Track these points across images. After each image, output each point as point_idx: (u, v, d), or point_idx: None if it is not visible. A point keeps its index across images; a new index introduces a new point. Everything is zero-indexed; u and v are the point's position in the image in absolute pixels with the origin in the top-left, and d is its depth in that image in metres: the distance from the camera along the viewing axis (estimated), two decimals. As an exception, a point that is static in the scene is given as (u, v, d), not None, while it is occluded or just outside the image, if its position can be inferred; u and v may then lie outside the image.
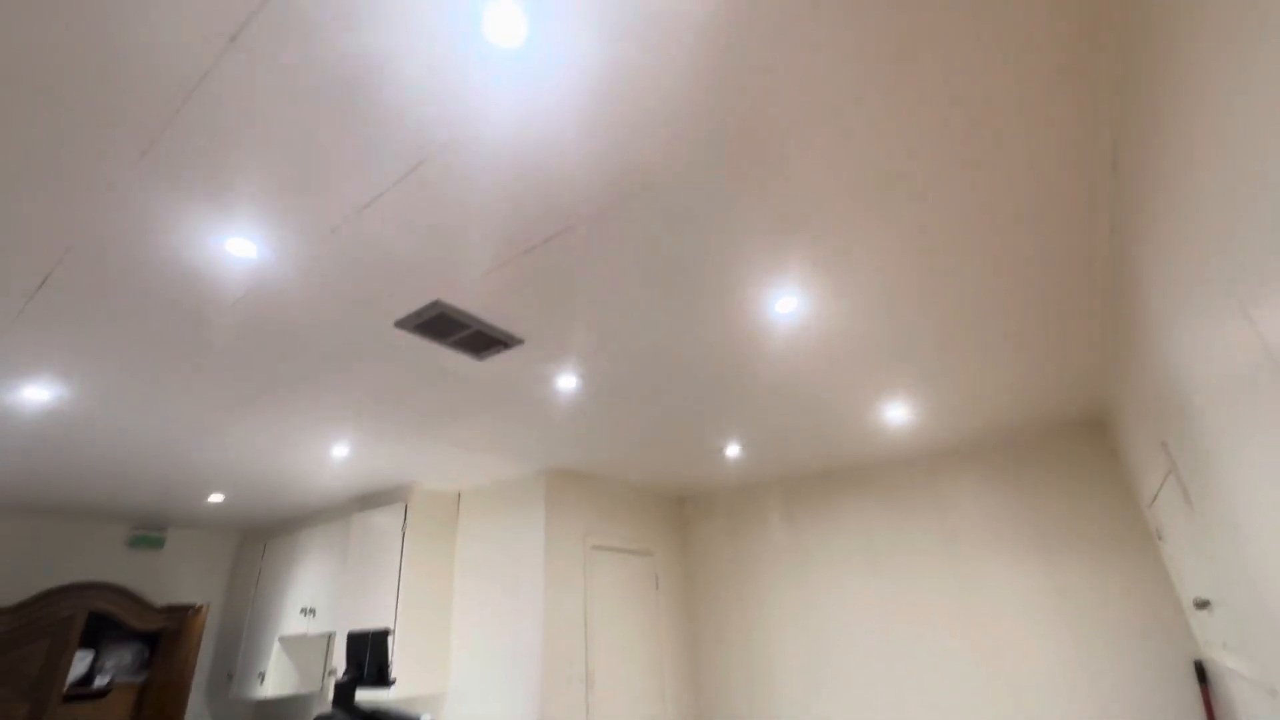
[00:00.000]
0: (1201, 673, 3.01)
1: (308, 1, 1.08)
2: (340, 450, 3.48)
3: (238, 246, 1.69)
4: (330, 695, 4.40)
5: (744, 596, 4.71)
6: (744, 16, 1.15)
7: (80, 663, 4.14)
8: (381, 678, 2.65)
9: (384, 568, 4.14)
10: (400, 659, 3.80)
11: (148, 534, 5.05)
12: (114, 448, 3.17)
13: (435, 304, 2.06)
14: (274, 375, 2.49)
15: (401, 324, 2.17)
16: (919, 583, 4.00)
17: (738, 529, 4.94)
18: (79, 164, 1.38)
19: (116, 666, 4.31)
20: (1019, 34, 1.23)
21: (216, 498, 4.37)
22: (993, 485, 3.94)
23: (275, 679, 4.53)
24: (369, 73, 1.22)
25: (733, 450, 3.95)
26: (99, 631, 4.41)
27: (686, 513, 5.30)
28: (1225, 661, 2.42)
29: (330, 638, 4.88)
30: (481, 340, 2.30)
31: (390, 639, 2.77)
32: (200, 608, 4.67)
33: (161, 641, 4.55)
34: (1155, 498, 2.76)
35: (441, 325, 2.18)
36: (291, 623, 4.63)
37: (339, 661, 3.98)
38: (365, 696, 3.83)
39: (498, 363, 2.51)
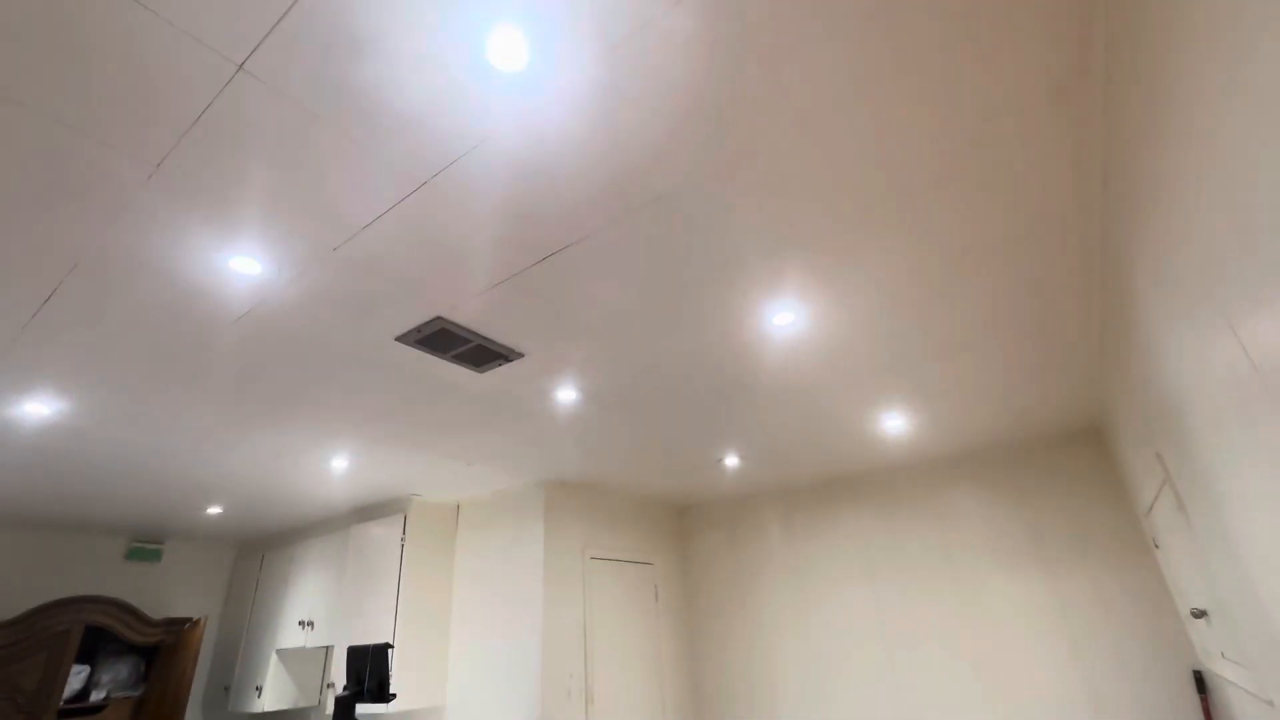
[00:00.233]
0: (1200, 682, 3.02)
1: (315, 28, 1.10)
2: (340, 463, 3.48)
3: (241, 264, 1.71)
4: (329, 709, 4.38)
5: (743, 606, 4.70)
6: (740, 38, 1.18)
7: (76, 677, 4.11)
8: (381, 693, 2.65)
9: (383, 580, 4.13)
10: (399, 672, 3.78)
11: (145, 547, 5.03)
12: (113, 461, 3.18)
13: (436, 319, 2.08)
14: (275, 390, 2.51)
15: (403, 339, 2.18)
16: (918, 592, 4.00)
17: (737, 539, 4.94)
18: (86, 185, 1.40)
19: (113, 681, 4.28)
20: (1012, 55, 1.27)
21: (215, 510, 4.36)
22: (991, 495, 3.96)
23: (273, 692, 4.50)
24: (374, 96, 1.24)
25: (732, 461, 3.96)
26: (95, 645, 4.39)
27: (686, 523, 5.30)
28: (1223, 672, 2.42)
29: (328, 650, 4.86)
30: (482, 354, 2.32)
31: (390, 653, 2.76)
32: (198, 621, 4.65)
33: (158, 655, 4.52)
34: (1151, 507, 2.78)
35: (442, 340, 2.20)
36: (289, 635, 4.61)
37: (337, 674, 3.96)
38: (364, 711, 3.81)
39: (498, 376, 2.52)
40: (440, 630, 4.15)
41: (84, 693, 4.15)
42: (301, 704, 4.65)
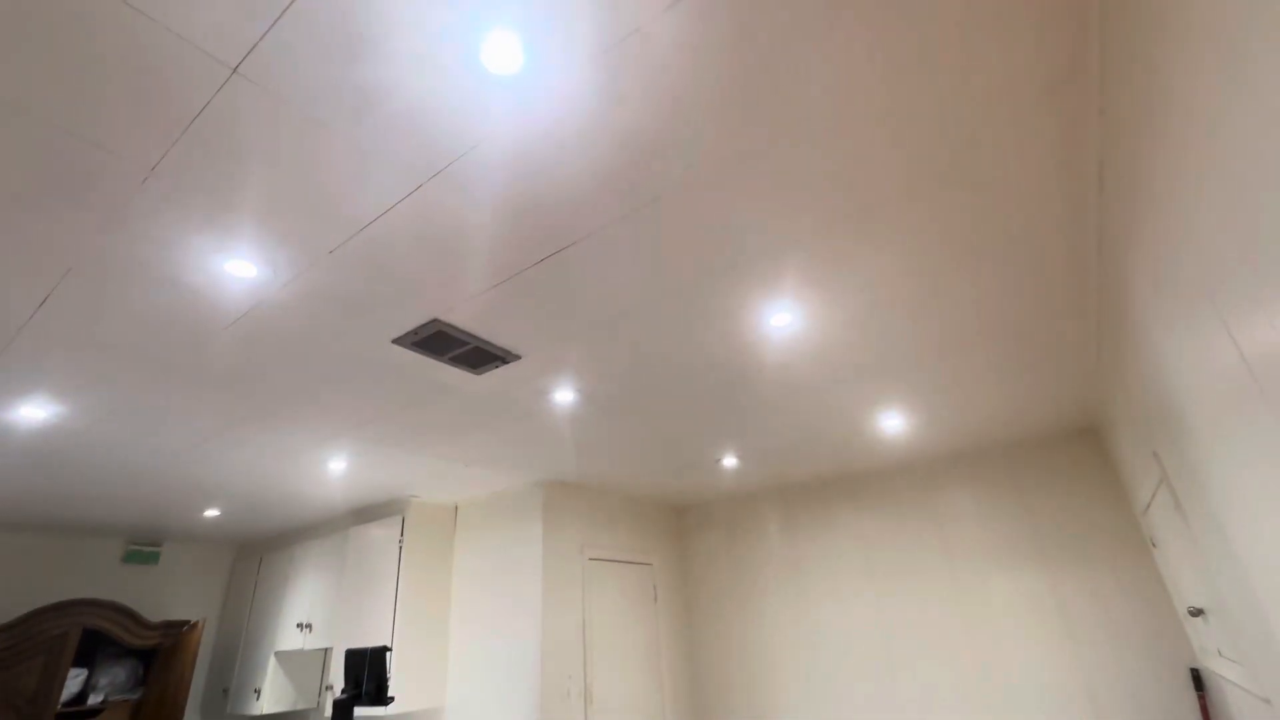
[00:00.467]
0: (1198, 680, 3.03)
1: (310, 31, 1.10)
2: (337, 464, 3.48)
3: (237, 268, 1.71)
4: (328, 711, 4.37)
5: (743, 606, 4.70)
6: (733, 40, 1.18)
7: (74, 680, 4.10)
8: (380, 695, 2.64)
9: (381, 581, 4.12)
10: (397, 674, 3.78)
11: (142, 549, 5.02)
12: (110, 464, 3.17)
13: (433, 322, 2.07)
14: (272, 393, 2.50)
15: (399, 341, 2.18)
16: (916, 591, 4.00)
17: (736, 539, 4.94)
18: (81, 189, 1.39)
19: (110, 684, 4.27)
20: (1005, 54, 1.27)
21: (212, 512, 4.35)
22: (988, 493, 3.96)
23: (271, 695, 4.50)
24: (369, 99, 1.24)
25: (730, 461, 3.96)
26: (93, 649, 4.38)
27: (684, 523, 5.30)
28: (1220, 670, 2.43)
29: (327, 653, 4.85)
30: (479, 356, 2.32)
31: (388, 656, 2.76)
32: (196, 623, 4.64)
33: (156, 658, 4.51)
34: (1148, 506, 2.79)
35: (439, 342, 2.20)
36: (288, 638, 4.60)
37: (336, 677, 3.96)
38: (363, 714, 3.80)
39: (495, 378, 2.52)
40: (439, 631, 4.14)
41: (82, 696, 4.14)
42: (300, 706, 4.64)
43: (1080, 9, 1.19)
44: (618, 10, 1.10)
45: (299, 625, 4.57)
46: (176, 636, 4.58)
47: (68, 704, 4.01)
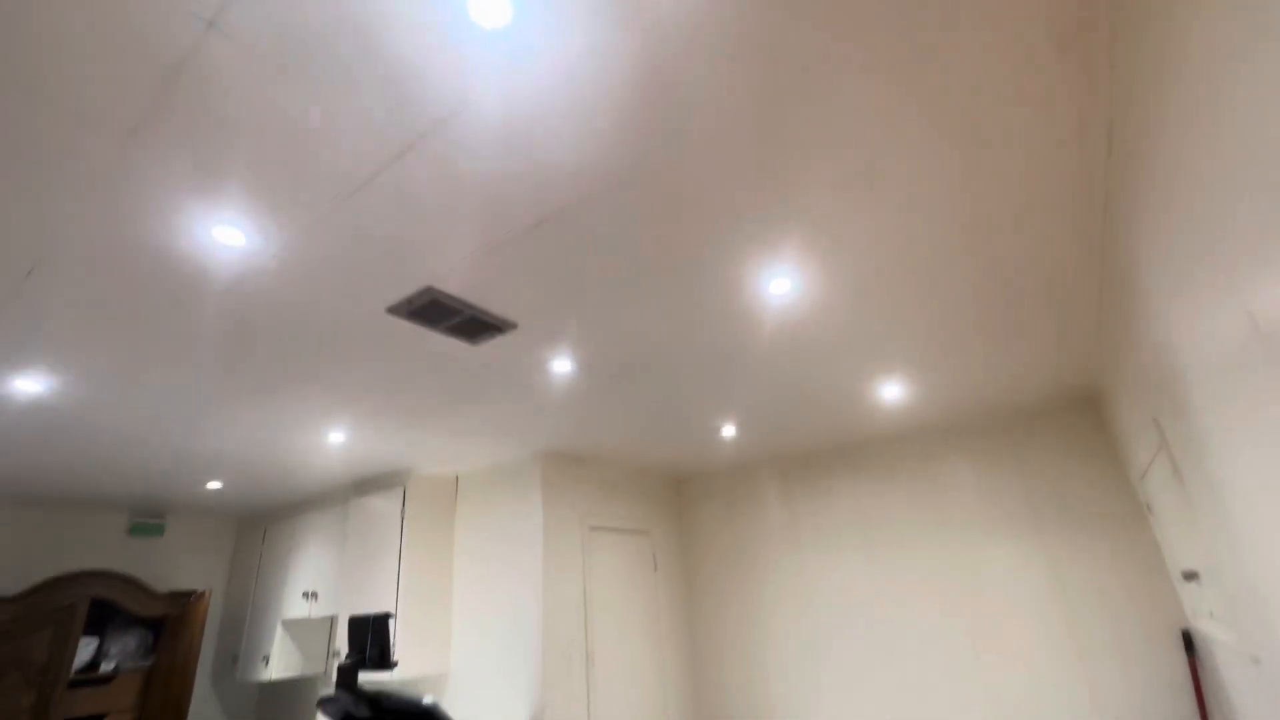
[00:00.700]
0: (1189, 642, 3.08)
1: (287, -17, 1.05)
2: (337, 437, 3.48)
3: (225, 234, 1.67)
4: (334, 677, 4.47)
5: (741, 575, 4.77)
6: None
7: (85, 649, 4.18)
8: (383, 660, 2.69)
9: (384, 551, 4.17)
10: (402, 641, 3.85)
11: (147, 521, 5.07)
12: (108, 438, 3.17)
13: (427, 290, 2.04)
14: (266, 364, 2.48)
15: (394, 310, 2.15)
16: (912, 558, 4.05)
17: (735, 509, 4.99)
18: (61, 155, 1.35)
19: (122, 652, 4.36)
20: (1016, 11, 1.21)
21: (215, 485, 4.38)
22: (985, 461, 3.98)
23: (279, 661, 4.59)
24: (354, 55, 1.19)
25: (729, 431, 3.97)
26: (103, 618, 4.45)
27: (684, 494, 5.35)
28: (1211, 631, 2.47)
29: (333, 620, 4.93)
30: (475, 326, 2.29)
31: (391, 622, 2.80)
32: (203, 593, 4.72)
33: (165, 627, 4.59)
34: (1146, 472, 2.80)
35: (434, 311, 2.17)
36: (294, 606, 4.68)
37: (342, 644, 4.03)
38: (368, 678, 3.89)
39: (492, 348, 2.50)
40: (442, 600, 4.21)
41: (94, 664, 4.23)
42: (308, 672, 4.74)
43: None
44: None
45: (305, 594, 4.64)
46: (184, 606, 4.66)
47: (80, 672, 4.10)
